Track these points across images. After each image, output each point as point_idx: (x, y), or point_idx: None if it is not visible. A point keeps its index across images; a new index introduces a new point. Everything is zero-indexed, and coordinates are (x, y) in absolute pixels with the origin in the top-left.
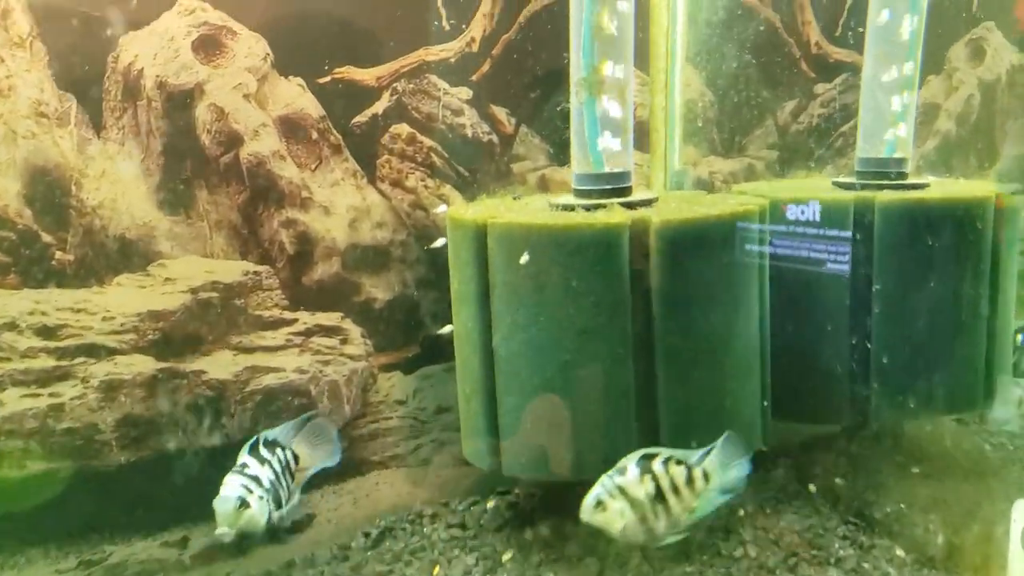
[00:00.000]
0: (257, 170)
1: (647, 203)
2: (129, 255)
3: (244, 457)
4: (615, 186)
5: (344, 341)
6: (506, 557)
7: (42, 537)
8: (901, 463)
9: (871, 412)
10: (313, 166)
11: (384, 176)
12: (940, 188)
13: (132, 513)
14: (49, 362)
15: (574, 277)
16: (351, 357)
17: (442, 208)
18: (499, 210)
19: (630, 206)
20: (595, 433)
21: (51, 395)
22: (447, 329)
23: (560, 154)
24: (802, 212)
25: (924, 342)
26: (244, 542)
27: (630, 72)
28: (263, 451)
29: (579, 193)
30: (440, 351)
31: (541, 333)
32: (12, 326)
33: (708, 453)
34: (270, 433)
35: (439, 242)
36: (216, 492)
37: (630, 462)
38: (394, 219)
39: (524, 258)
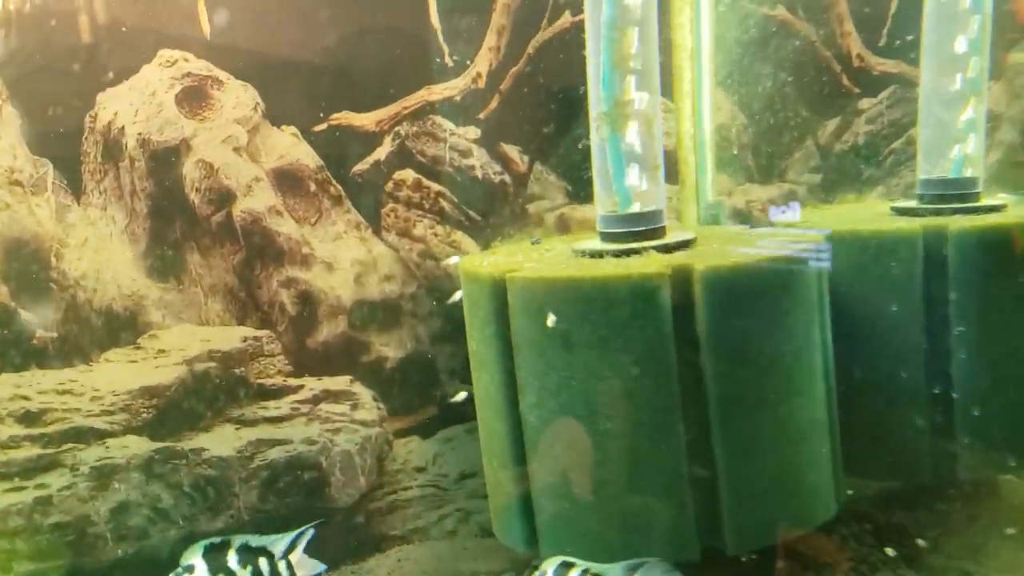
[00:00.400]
0: (252, 228)
1: (685, 245)
2: (117, 328)
3: (194, 559)
4: (647, 227)
5: (355, 406)
6: None
7: None
8: (994, 523)
9: (959, 468)
10: (313, 220)
11: (390, 226)
12: (1019, 209)
13: None
14: (34, 451)
15: (609, 335)
16: (363, 423)
17: (454, 259)
18: (517, 259)
19: (666, 249)
20: (645, 512)
21: (37, 487)
22: (461, 396)
23: (580, 191)
24: (863, 246)
25: (1020, 389)
26: None
27: (657, 101)
28: (232, 560)
29: (606, 236)
30: (460, 411)
31: (575, 399)
32: None
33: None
34: (259, 539)
35: (456, 296)
36: None
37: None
38: (403, 271)
39: (551, 320)
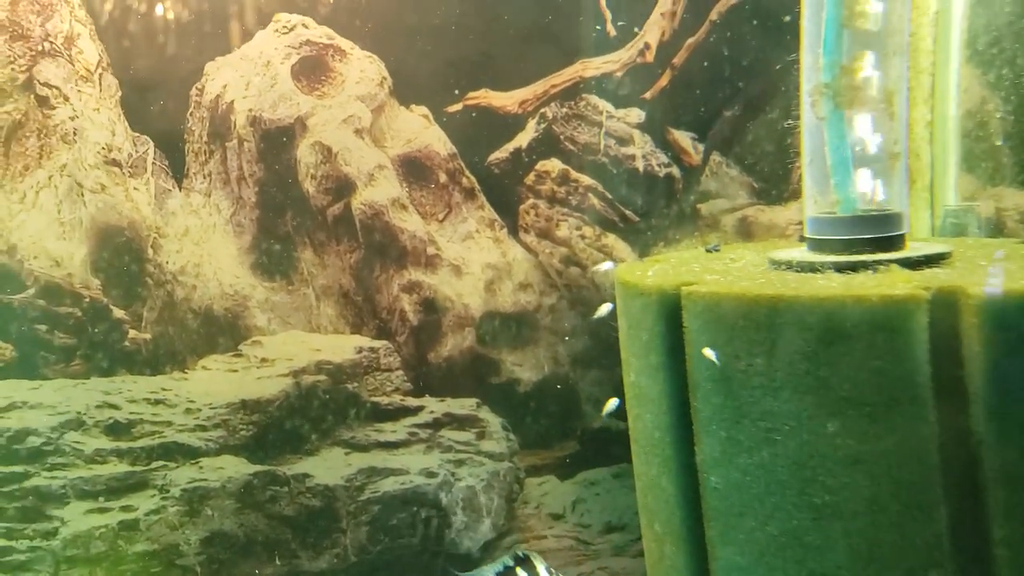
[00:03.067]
0: (373, 223)
1: (938, 260)
2: (216, 332)
3: None
4: (883, 234)
5: (481, 435)
6: None
7: None
8: None
9: None
10: (441, 216)
11: (529, 225)
12: None
13: None
14: (120, 467)
15: (832, 378)
16: (491, 456)
17: (607, 266)
18: (691, 269)
19: (911, 265)
20: None
21: (123, 509)
22: (612, 405)
23: (770, 189)
24: None
25: None
26: None
27: (904, 70)
28: None
29: (819, 245)
30: (607, 450)
31: (779, 460)
32: (77, 424)
33: None
34: None
35: (604, 309)
36: None
37: None
38: (542, 278)
39: (710, 354)
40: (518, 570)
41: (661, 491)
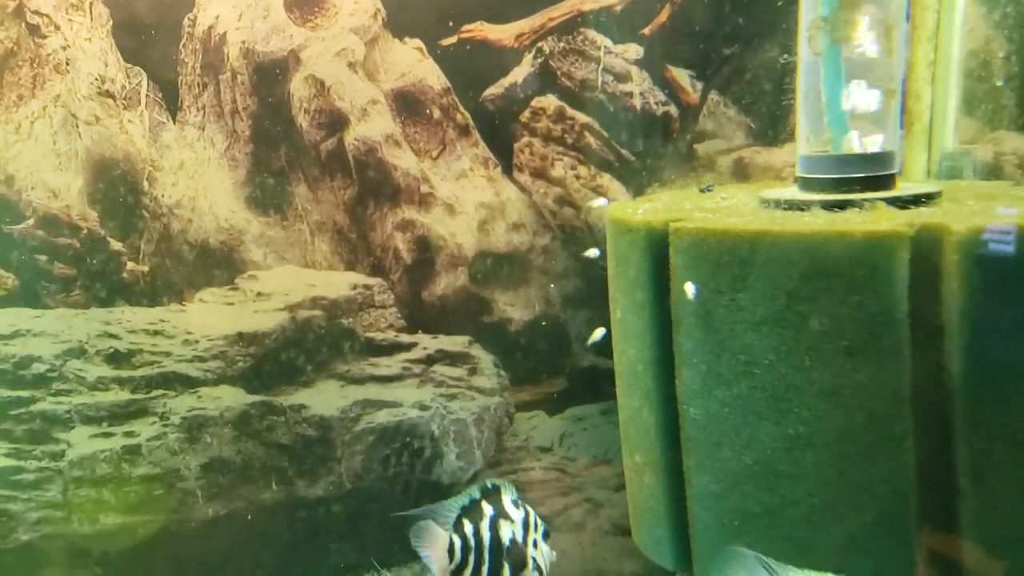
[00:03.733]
0: (366, 159)
1: (927, 199)
2: (212, 265)
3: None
4: (873, 173)
5: (473, 371)
6: None
7: None
8: None
9: None
10: (435, 153)
11: (523, 164)
12: None
13: (223, 574)
14: (122, 395)
15: (812, 313)
16: (481, 391)
17: (600, 202)
18: (683, 208)
19: (900, 204)
20: (847, 548)
21: (125, 435)
22: (599, 334)
23: (767, 129)
24: None
25: None
26: None
27: (903, 6)
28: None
29: (810, 184)
30: (595, 387)
31: (757, 392)
32: (80, 352)
33: None
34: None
35: (592, 252)
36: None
37: None
38: (535, 219)
39: (690, 291)
40: (483, 503)
41: (642, 423)
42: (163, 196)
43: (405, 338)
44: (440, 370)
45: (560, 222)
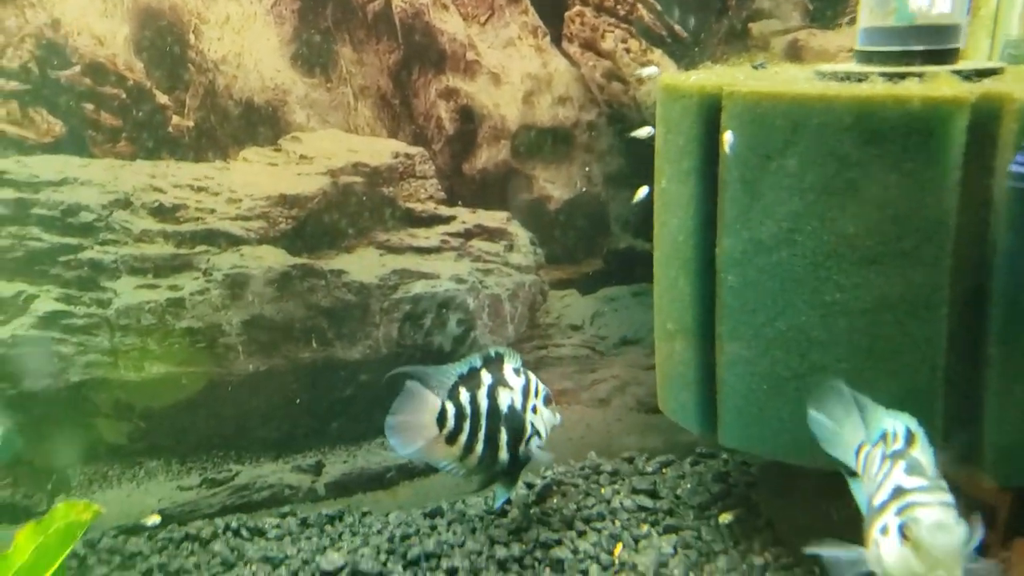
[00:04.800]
0: (413, 22)
1: (989, 74)
2: (256, 124)
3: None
4: (934, 47)
5: (510, 248)
6: (717, 547)
7: (162, 449)
8: None
9: None
10: (483, 18)
11: (573, 35)
12: None
13: (261, 431)
14: (167, 249)
15: (861, 179)
16: (517, 268)
17: (651, 70)
18: (736, 79)
19: (962, 76)
20: None
21: (170, 288)
22: (645, 132)
23: (825, 10)
24: None
25: None
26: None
27: None
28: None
29: (868, 56)
30: (629, 270)
31: (797, 259)
32: (125, 203)
33: None
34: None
35: (644, 131)
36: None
37: None
38: (582, 93)
39: (729, 141)
40: (483, 371)
41: (678, 292)
42: (209, 50)
43: (444, 211)
44: (478, 245)
45: (607, 97)
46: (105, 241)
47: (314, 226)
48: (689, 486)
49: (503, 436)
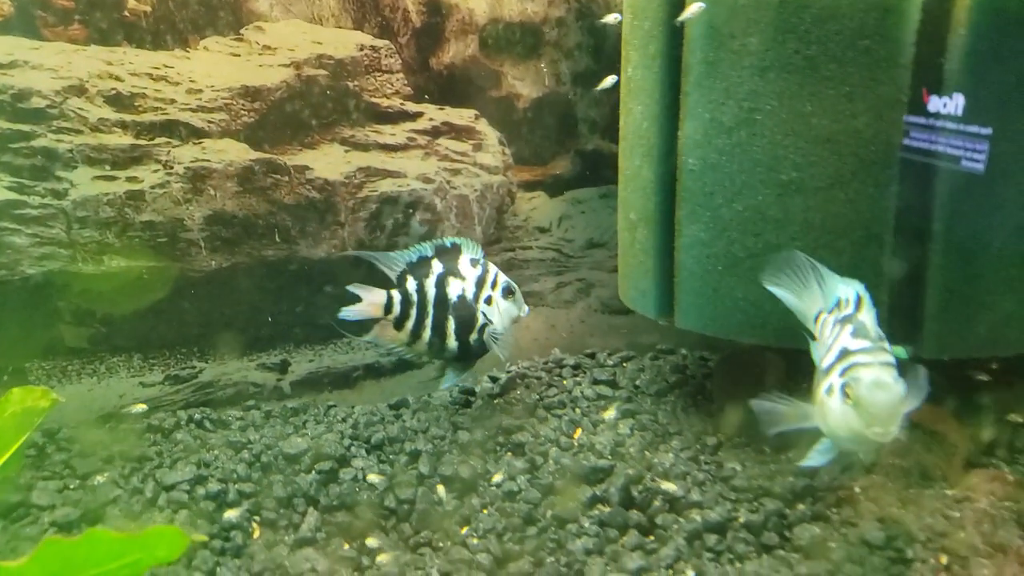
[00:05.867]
0: None
1: None
2: (217, 10)
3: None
4: None
5: (478, 147)
6: (672, 429)
7: (123, 344)
8: None
9: None
10: None
11: None
12: None
13: (224, 328)
14: (125, 139)
15: (820, 58)
16: (485, 168)
17: (614, 17)
18: None
19: None
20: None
21: (128, 179)
22: (609, 81)
23: None
24: None
25: None
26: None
27: None
28: (464, 264)
29: None
30: (597, 171)
31: (756, 139)
32: (80, 90)
33: None
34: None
35: (612, 17)
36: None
37: None
38: None
39: (694, 9)
40: (434, 260)
41: (641, 180)
42: None
43: (411, 107)
44: (445, 143)
45: None
46: (59, 129)
47: (277, 120)
48: (647, 377)
49: (451, 324)
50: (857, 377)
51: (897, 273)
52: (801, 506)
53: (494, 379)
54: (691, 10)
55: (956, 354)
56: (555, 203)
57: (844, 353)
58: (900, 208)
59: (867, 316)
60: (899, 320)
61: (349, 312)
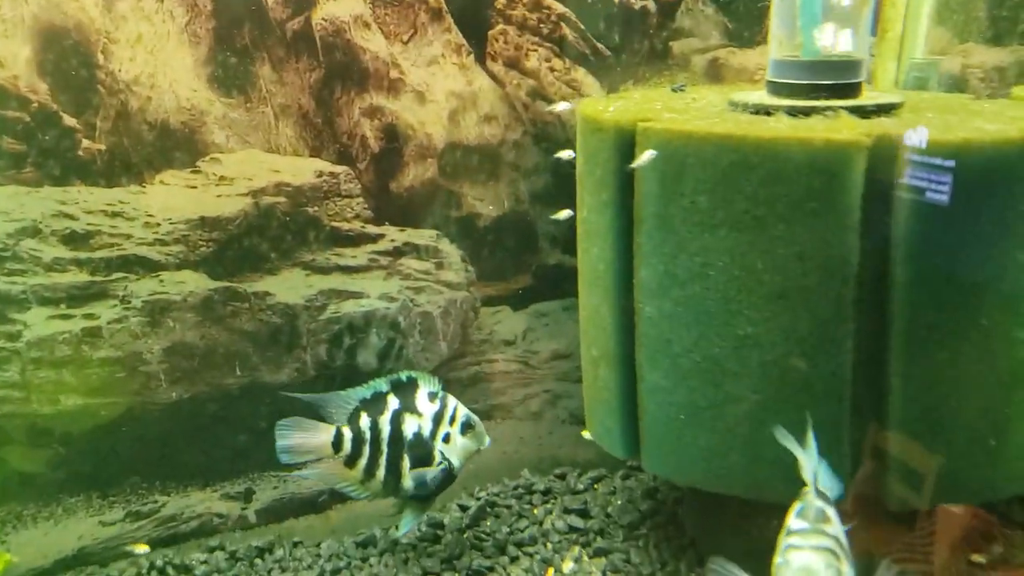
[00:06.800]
0: (334, 40)
1: (888, 110)
2: (172, 146)
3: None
4: (838, 81)
5: (440, 265)
6: (644, 571)
7: (82, 484)
8: None
9: None
10: (406, 37)
11: (497, 53)
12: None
13: (187, 460)
14: (81, 276)
15: (769, 217)
16: (448, 285)
17: (563, 106)
18: (653, 108)
19: (863, 113)
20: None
21: (85, 316)
22: (564, 215)
23: (743, 31)
24: None
25: None
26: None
27: None
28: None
29: (779, 89)
30: (559, 285)
31: (709, 293)
32: (34, 231)
33: None
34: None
35: (566, 153)
36: None
37: None
38: (507, 111)
39: (645, 157)
40: (390, 396)
41: (600, 319)
42: (120, 71)
43: (372, 229)
44: (407, 263)
45: (532, 116)
46: (12, 271)
47: (236, 249)
48: (619, 503)
49: (406, 463)
50: (787, 560)
51: (860, 427)
52: None
53: (464, 508)
54: (642, 158)
55: (919, 505)
56: (519, 316)
57: (788, 532)
58: (857, 363)
59: (812, 494)
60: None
61: (288, 454)
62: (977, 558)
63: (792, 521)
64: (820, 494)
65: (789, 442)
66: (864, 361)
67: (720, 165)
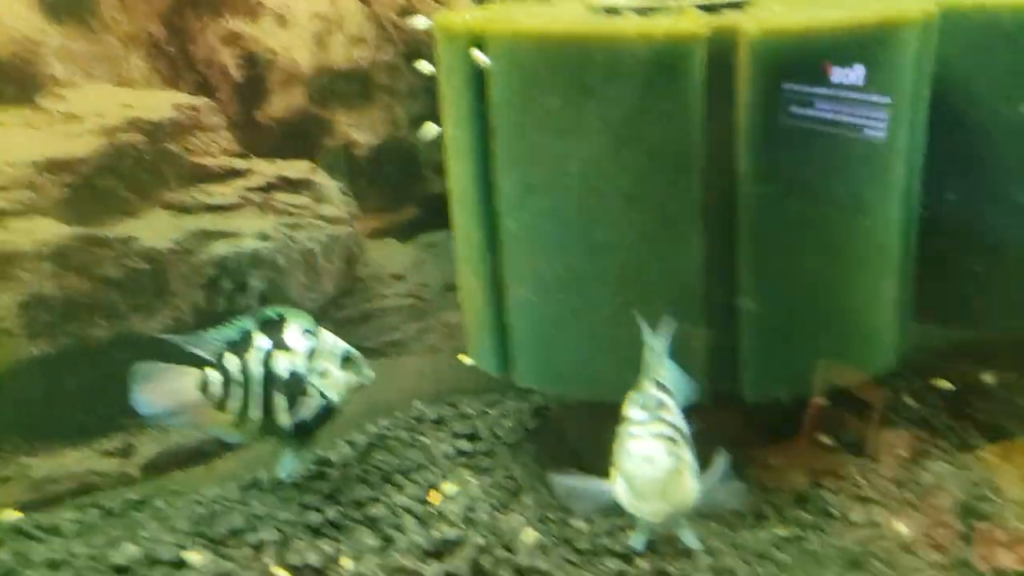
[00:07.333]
0: None
1: (735, 5)
2: (5, 81)
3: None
4: None
5: (318, 199)
6: (526, 484)
7: None
8: None
9: None
10: None
11: None
12: None
13: (60, 417)
14: None
15: (616, 117)
16: (329, 220)
17: (420, 20)
18: (512, 17)
19: (709, 8)
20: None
21: None
22: (431, 132)
23: None
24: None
25: None
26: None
27: None
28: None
29: None
30: (446, 212)
31: (565, 199)
32: None
33: None
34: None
35: (424, 65)
36: None
37: None
38: (377, 32)
39: (482, 60)
40: (259, 335)
41: (469, 239)
42: None
43: (240, 163)
44: (281, 198)
45: (404, 37)
46: None
47: (92, 192)
48: (509, 424)
49: (282, 402)
50: (627, 450)
51: (712, 322)
52: (642, 563)
53: (352, 444)
54: (479, 56)
55: (772, 396)
56: (407, 249)
57: (629, 422)
58: (708, 259)
59: (650, 382)
60: (719, 366)
61: (147, 404)
62: (825, 440)
63: (631, 411)
64: (658, 384)
65: (644, 328)
66: (716, 257)
67: (568, 65)
